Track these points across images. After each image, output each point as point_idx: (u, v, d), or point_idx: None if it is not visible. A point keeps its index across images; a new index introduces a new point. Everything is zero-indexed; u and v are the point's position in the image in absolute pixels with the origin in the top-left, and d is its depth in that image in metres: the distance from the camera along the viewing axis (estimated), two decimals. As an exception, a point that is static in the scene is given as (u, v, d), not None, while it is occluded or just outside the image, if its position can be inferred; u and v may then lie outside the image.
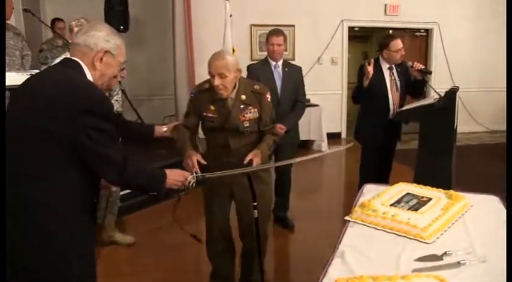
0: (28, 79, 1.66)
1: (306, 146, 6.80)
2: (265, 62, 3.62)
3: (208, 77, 2.39)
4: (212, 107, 2.38)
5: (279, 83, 3.57)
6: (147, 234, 3.70)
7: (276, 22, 6.88)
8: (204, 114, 2.40)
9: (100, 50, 1.60)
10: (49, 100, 1.48)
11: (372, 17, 7.36)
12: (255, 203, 2.38)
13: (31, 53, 4.88)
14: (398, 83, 3.55)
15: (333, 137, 7.29)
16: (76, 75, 1.56)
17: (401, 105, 3.55)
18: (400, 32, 7.43)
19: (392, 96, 3.53)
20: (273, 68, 3.59)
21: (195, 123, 2.49)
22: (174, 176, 1.76)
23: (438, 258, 1.68)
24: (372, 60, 3.45)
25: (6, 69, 4.43)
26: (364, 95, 3.51)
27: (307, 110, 6.70)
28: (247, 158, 2.32)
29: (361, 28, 7.71)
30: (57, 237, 1.51)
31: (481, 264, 1.62)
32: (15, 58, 4.63)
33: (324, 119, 6.77)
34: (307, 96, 6.77)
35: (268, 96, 2.50)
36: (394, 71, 3.54)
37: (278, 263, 3.38)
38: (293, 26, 7.03)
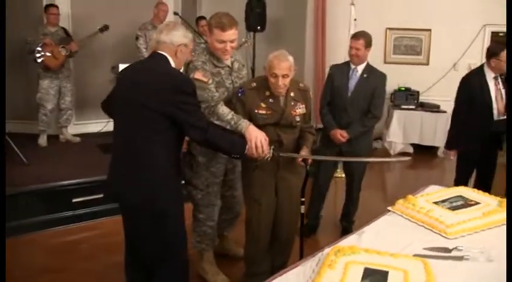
0: (133, 68, 2.28)
1: (431, 152, 6.63)
2: (345, 64, 3.49)
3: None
4: (263, 105, 2.49)
5: (351, 88, 3.38)
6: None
7: (412, 26, 6.87)
8: (256, 111, 2.48)
9: (180, 45, 2.18)
10: (150, 85, 2.09)
11: (522, 21, 6.73)
12: (303, 199, 2.55)
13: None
14: (503, 91, 3.41)
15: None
16: (166, 65, 2.16)
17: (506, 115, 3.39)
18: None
19: (498, 106, 3.40)
20: (351, 71, 3.41)
21: None
22: (253, 149, 2.31)
23: (447, 250, 1.80)
24: None
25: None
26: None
27: (433, 115, 6.64)
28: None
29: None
30: (160, 173, 2.09)
31: (485, 263, 1.70)
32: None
33: (451, 126, 6.49)
34: (436, 102, 6.75)
35: (310, 92, 2.68)
36: (499, 79, 3.42)
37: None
38: (429, 30, 6.86)
